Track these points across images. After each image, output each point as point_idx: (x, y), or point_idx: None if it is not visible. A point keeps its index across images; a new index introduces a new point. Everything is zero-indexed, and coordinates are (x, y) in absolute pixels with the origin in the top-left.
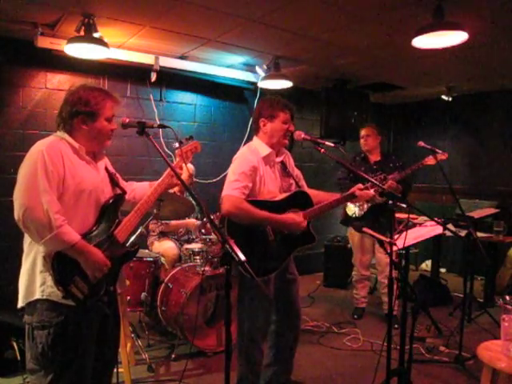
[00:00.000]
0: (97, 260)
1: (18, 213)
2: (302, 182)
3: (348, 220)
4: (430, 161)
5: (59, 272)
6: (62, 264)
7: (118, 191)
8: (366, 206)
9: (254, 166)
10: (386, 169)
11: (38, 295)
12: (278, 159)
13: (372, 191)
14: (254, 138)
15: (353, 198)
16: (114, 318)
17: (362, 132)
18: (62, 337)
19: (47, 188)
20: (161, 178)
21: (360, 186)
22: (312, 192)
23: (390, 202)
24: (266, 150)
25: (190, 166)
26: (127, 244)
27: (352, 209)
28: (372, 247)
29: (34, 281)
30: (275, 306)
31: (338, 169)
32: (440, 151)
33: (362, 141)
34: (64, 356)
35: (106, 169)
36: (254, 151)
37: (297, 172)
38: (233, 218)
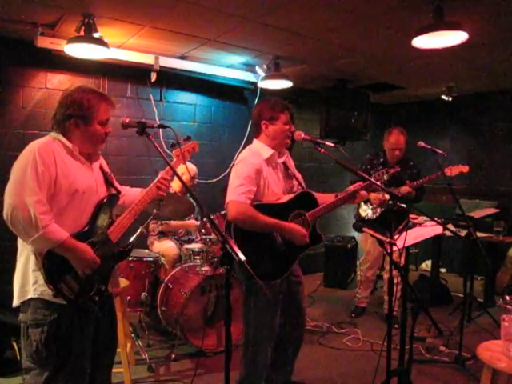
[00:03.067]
0: (86, 257)
1: (5, 212)
2: (303, 185)
3: (360, 224)
4: (448, 171)
5: (49, 270)
6: (52, 262)
7: (113, 191)
8: (379, 209)
9: (257, 169)
10: (403, 175)
11: (30, 294)
12: (280, 160)
13: (365, 192)
14: (255, 141)
15: (353, 197)
16: (109, 318)
17: (400, 140)
18: (55, 335)
19: (35, 189)
20: (149, 187)
21: (357, 185)
22: (317, 195)
23: (404, 205)
24: (268, 152)
25: (193, 168)
26: (124, 243)
27: (365, 210)
28: (382, 254)
29: (27, 280)
30: (281, 309)
31: (337, 169)
32: (440, 151)
33: (393, 151)
34: (58, 354)
35: (101, 168)
36: (255, 154)
37: (297, 174)
38: (239, 224)
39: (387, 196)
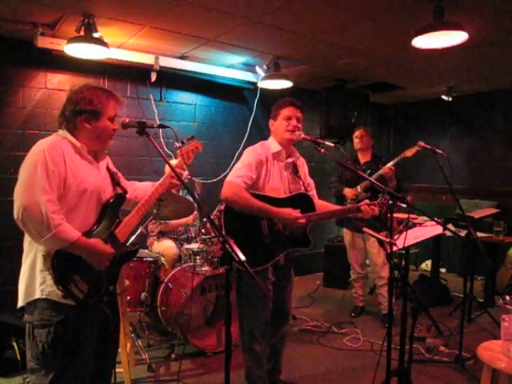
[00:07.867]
0: (99, 251)
1: (16, 212)
2: (313, 192)
3: (342, 221)
4: (408, 153)
5: (59, 271)
6: (61, 263)
7: (119, 191)
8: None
9: (260, 160)
10: (375, 169)
11: (37, 295)
12: (289, 160)
13: (377, 209)
14: (269, 138)
15: (358, 211)
16: (113, 318)
17: (357, 133)
18: (62, 336)
19: (46, 188)
20: (162, 179)
21: (367, 201)
22: (321, 203)
23: (390, 201)
24: (276, 147)
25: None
26: (127, 244)
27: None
28: (364, 245)
29: (33, 280)
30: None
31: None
32: (440, 151)
33: (356, 140)
34: (64, 355)
35: (108, 168)
36: (264, 146)
37: (309, 181)
38: (230, 204)
39: (359, 190)
